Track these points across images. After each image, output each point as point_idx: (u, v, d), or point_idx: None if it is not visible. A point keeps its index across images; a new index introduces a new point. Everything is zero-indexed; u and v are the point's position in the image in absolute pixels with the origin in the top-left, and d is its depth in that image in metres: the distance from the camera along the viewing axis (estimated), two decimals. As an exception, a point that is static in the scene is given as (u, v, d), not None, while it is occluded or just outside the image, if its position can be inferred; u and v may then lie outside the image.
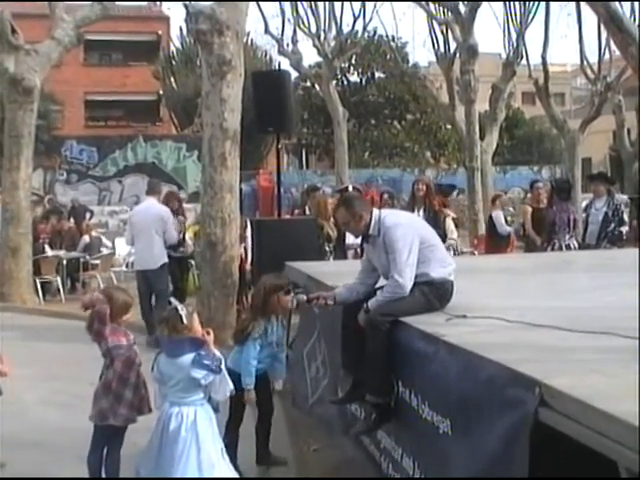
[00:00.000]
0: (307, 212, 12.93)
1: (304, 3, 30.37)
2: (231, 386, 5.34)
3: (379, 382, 5.36)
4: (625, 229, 11.99)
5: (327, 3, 30.07)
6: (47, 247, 17.59)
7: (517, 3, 28.08)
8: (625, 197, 26.88)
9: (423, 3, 27.85)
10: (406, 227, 5.67)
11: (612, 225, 11.91)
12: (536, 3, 27.75)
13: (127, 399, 5.64)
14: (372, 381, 5.40)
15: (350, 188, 14.00)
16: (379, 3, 30.94)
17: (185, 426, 5.12)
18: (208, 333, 5.36)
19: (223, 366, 5.26)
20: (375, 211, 5.82)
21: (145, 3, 49.43)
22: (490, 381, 3.97)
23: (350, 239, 12.62)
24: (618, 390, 3.47)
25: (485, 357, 4.13)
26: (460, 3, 25.83)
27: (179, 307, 5.38)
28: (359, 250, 12.44)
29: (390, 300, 5.48)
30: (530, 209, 12.78)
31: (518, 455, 3.60)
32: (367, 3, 30.59)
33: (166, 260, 11.99)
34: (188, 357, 5.15)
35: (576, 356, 4.18)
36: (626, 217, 12.23)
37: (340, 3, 30.18)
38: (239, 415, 6.37)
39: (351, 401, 5.88)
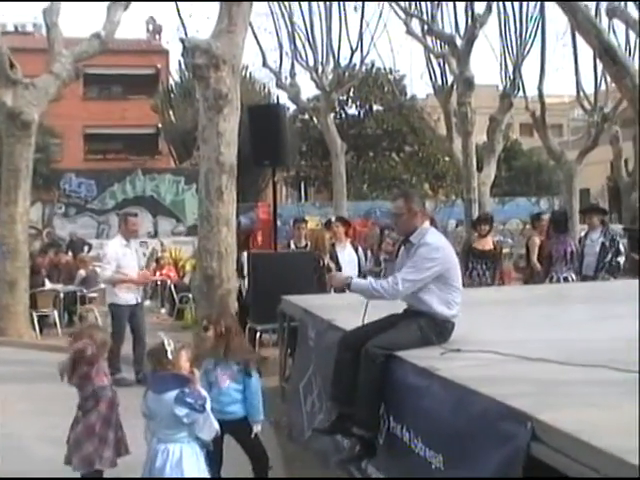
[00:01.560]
0: (291, 245, 12.88)
1: (301, 36, 30.56)
2: (216, 427, 5.27)
3: (367, 415, 5.34)
4: (622, 259, 11.99)
5: (324, 36, 30.27)
6: (47, 280, 17.56)
7: (513, 36, 28.25)
8: (619, 227, 26.96)
9: (420, 36, 28.03)
10: (442, 255, 5.69)
11: (609, 256, 11.93)
12: (532, 35, 27.93)
13: (111, 441, 5.58)
14: (360, 413, 5.38)
15: (333, 219, 14.10)
16: (377, 35, 30.98)
17: (170, 464, 5.08)
18: (192, 372, 5.32)
19: (208, 405, 5.20)
20: (427, 222, 5.86)
21: (144, 37, 49.78)
22: (483, 416, 3.96)
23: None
24: (610, 424, 3.47)
25: (478, 391, 4.12)
26: (456, 35, 26.00)
27: (166, 341, 5.34)
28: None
29: (374, 293, 5.60)
30: (538, 241, 12.76)
31: (511, 490, 3.58)
32: (364, 36, 30.76)
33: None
34: (172, 394, 5.11)
35: (569, 390, 4.17)
36: (622, 247, 12.21)
37: (337, 36, 30.35)
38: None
39: (334, 432, 5.83)
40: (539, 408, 3.65)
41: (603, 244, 12.00)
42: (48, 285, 17.31)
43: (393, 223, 5.86)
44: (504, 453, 3.69)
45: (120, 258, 11.44)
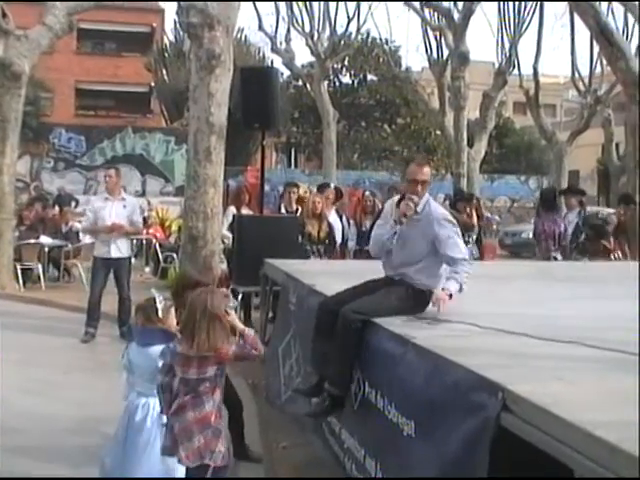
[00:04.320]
0: (281, 209, 12.83)
1: (299, 2, 30.41)
2: None
3: (339, 375, 5.42)
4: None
5: (322, 3, 30.10)
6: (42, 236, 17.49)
7: (511, 13, 28.18)
8: (611, 211, 27.05)
9: (417, 8, 27.91)
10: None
11: (582, 236, 12.03)
12: (530, 13, 27.87)
13: (224, 435, 5.16)
14: (332, 372, 5.46)
15: (332, 186, 14.02)
16: (374, 5, 30.97)
17: (151, 418, 5.10)
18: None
19: None
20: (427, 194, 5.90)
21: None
22: (455, 385, 3.99)
23: (350, 244, 12.69)
24: (580, 398, 3.50)
25: (451, 360, 4.15)
26: (454, 9, 25.92)
27: (158, 299, 5.34)
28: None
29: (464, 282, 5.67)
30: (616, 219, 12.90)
31: (478, 458, 3.62)
32: (362, 5, 30.65)
33: None
34: (158, 348, 5.12)
35: (542, 364, 4.20)
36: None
37: (335, 4, 30.23)
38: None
39: (313, 395, 5.87)
40: (511, 380, 3.68)
41: (577, 224, 12.11)
42: (43, 239, 17.24)
43: (415, 190, 5.78)
44: (474, 422, 3.72)
45: (97, 211, 11.52)
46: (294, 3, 30.62)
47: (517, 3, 27.93)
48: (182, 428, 4.88)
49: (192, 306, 5.12)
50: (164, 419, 5.08)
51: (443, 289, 5.59)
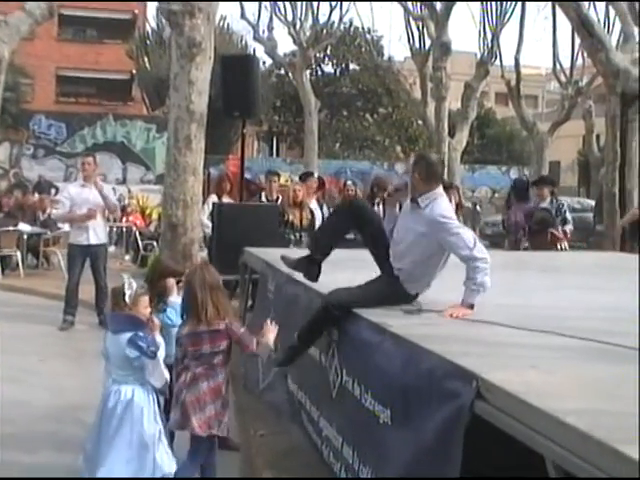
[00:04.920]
0: (262, 198, 12.79)
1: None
2: (167, 376, 5.27)
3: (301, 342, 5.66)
4: (569, 228, 12.17)
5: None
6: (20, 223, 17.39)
7: (494, 4, 28.22)
8: (592, 202, 27.18)
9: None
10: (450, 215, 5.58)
11: (557, 224, 12.10)
12: (512, 4, 27.91)
13: (228, 406, 5.44)
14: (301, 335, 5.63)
15: (315, 175, 14.02)
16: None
17: (121, 405, 5.11)
18: (152, 320, 5.33)
19: (160, 353, 5.21)
20: (440, 189, 5.65)
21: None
22: (430, 373, 4.01)
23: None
24: (553, 387, 3.52)
25: (427, 349, 4.17)
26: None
27: (127, 284, 5.30)
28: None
29: (483, 284, 5.29)
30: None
31: (453, 446, 3.64)
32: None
33: None
34: (126, 335, 5.12)
35: (517, 352, 4.23)
36: (569, 216, 12.36)
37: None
38: None
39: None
40: (485, 368, 3.70)
41: (550, 213, 12.18)
42: (22, 227, 17.14)
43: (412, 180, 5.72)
44: (448, 410, 3.74)
45: (74, 198, 11.48)
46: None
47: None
48: (196, 398, 5.14)
49: (190, 285, 5.25)
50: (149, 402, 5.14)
51: (463, 302, 5.32)
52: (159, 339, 5.28)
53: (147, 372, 5.17)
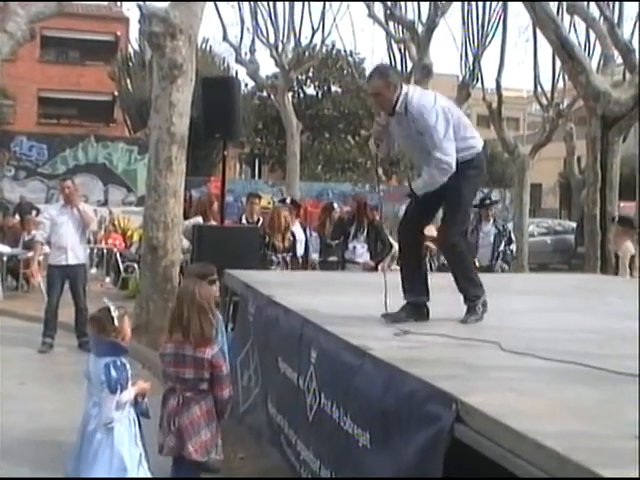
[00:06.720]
0: (243, 220, 12.75)
1: (264, 13, 30.45)
2: (111, 416, 5.02)
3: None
4: (514, 247, 12.68)
5: (287, 14, 30.18)
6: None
7: (475, 26, 28.37)
8: (573, 224, 27.29)
9: (382, 21, 28.05)
10: (437, 103, 5.56)
11: (502, 245, 12.34)
12: (494, 26, 28.09)
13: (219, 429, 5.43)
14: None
15: (288, 200, 14.04)
16: (339, 17, 31.09)
17: (101, 428, 5.05)
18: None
19: (127, 393, 5.10)
20: (405, 87, 5.64)
21: (105, 3, 49.03)
22: (410, 396, 3.98)
23: (314, 255, 12.70)
24: (532, 409, 3.51)
25: (407, 372, 4.14)
26: (418, 23, 26.08)
27: (112, 308, 5.28)
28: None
29: (436, 178, 5.51)
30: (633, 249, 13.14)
31: (432, 470, 3.61)
32: (326, 16, 30.74)
33: None
34: (106, 359, 5.08)
35: (497, 375, 4.22)
36: (513, 236, 13.02)
37: (299, 15, 30.31)
38: None
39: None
40: (465, 391, 3.69)
41: (495, 234, 12.49)
42: (1, 248, 17.03)
43: (377, 103, 5.74)
44: (428, 433, 3.71)
45: (55, 220, 11.45)
46: (259, 14, 30.63)
47: (481, 17, 28.10)
48: (189, 422, 5.03)
49: (179, 299, 5.23)
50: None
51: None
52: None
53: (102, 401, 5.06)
